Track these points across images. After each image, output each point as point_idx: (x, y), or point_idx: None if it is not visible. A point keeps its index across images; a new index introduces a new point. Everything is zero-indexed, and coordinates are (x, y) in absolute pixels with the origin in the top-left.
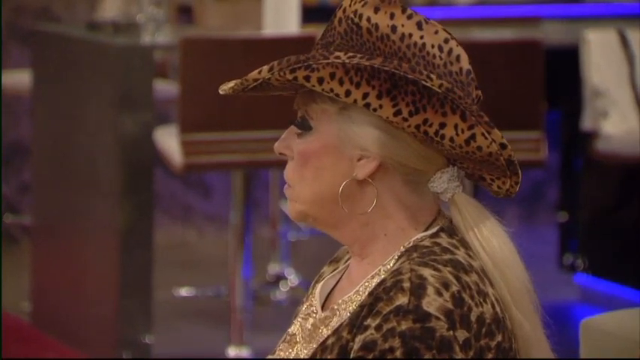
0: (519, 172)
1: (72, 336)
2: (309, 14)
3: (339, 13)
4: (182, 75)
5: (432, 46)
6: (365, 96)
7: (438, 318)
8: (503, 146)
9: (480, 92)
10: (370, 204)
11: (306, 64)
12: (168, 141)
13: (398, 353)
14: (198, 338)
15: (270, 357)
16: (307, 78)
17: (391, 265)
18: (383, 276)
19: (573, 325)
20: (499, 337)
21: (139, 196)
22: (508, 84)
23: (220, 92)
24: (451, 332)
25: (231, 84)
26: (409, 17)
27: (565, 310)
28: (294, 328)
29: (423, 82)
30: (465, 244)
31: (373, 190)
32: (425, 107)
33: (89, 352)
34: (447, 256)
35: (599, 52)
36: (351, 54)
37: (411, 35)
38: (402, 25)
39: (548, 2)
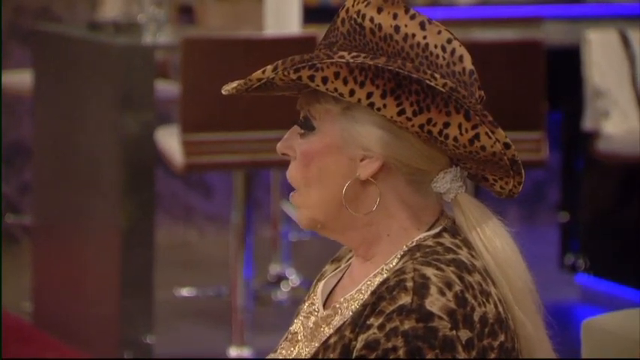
0: (523, 172)
1: (73, 336)
2: (310, 14)
3: (342, 14)
4: (183, 75)
5: (435, 47)
6: (369, 95)
7: (440, 317)
8: (507, 146)
9: (482, 92)
10: (373, 204)
11: (310, 63)
12: (170, 141)
13: (401, 352)
14: (200, 338)
15: (271, 355)
16: (311, 77)
17: (394, 264)
18: (385, 275)
19: (575, 326)
20: (502, 337)
21: (140, 196)
22: (509, 84)
23: (223, 92)
24: (454, 332)
25: (235, 84)
26: (412, 17)
27: (566, 310)
28: (295, 327)
29: (427, 82)
30: (467, 244)
31: (376, 191)
32: (429, 107)
33: (90, 352)
34: (450, 256)
35: (600, 52)
36: (355, 53)
37: (414, 35)
38: (405, 26)
39: (550, 2)
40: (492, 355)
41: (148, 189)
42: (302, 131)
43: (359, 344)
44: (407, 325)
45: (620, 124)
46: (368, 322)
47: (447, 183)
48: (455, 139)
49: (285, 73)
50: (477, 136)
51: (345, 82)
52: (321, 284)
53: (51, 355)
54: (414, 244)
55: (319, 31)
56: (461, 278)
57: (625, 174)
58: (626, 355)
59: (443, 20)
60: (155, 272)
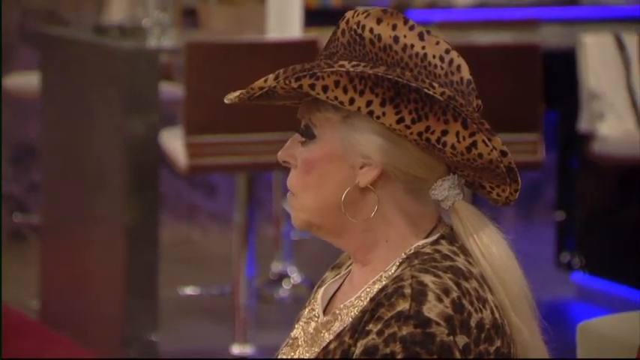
0: (519, 179)
1: (79, 333)
2: (311, 17)
3: (342, 25)
4: (187, 79)
5: (434, 57)
6: (368, 104)
7: (438, 323)
8: (503, 153)
9: (480, 102)
10: (371, 211)
11: (311, 72)
12: (174, 143)
13: (399, 358)
14: (203, 336)
15: None
16: (312, 86)
17: (392, 271)
18: (384, 282)
19: (570, 322)
20: (498, 343)
21: (144, 196)
22: (507, 87)
23: (226, 101)
24: (451, 337)
25: (237, 93)
26: (411, 28)
27: (562, 308)
28: (296, 332)
29: (426, 90)
30: (465, 251)
31: (375, 198)
32: (427, 115)
33: (96, 349)
34: (448, 263)
35: (596, 56)
36: (354, 63)
37: (412, 46)
38: (404, 36)
39: (546, 5)
40: None
41: (153, 189)
42: (303, 139)
43: (358, 350)
44: (405, 330)
45: (615, 127)
46: (367, 328)
47: (445, 191)
48: (452, 146)
49: (287, 81)
50: (474, 144)
51: (345, 91)
52: (321, 290)
53: (58, 352)
54: (412, 251)
55: (320, 35)
56: (458, 285)
57: (619, 174)
58: (620, 357)
59: (441, 22)
60: (159, 270)
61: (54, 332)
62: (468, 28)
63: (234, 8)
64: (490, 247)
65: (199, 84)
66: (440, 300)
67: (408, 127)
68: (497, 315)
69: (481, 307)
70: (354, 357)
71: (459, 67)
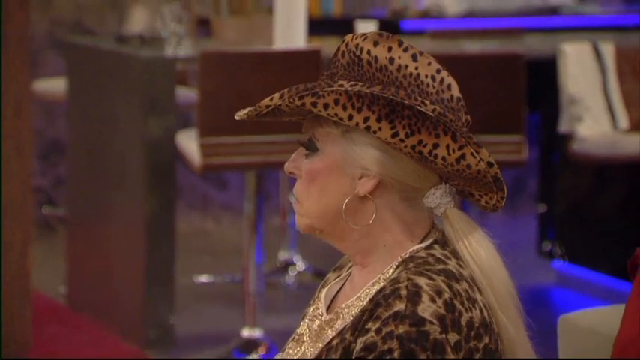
0: (505, 188)
1: (103, 316)
2: (314, 26)
3: (343, 47)
4: (201, 85)
5: (426, 76)
6: (366, 120)
7: (432, 322)
8: (490, 165)
9: (469, 117)
10: (370, 218)
11: (312, 91)
12: (189, 143)
13: (396, 354)
14: (216, 319)
15: (279, 355)
16: (314, 104)
17: (390, 273)
18: (382, 283)
19: (551, 306)
20: (486, 339)
21: (162, 191)
22: (493, 93)
23: (236, 118)
24: (443, 335)
25: (246, 110)
26: (405, 50)
27: (543, 293)
28: (301, 329)
29: (418, 107)
30: (456, 255)
31: (373, 206)
32: (420, 130)
33: (119, 332)
34: (440, 266)
35: (575, 63)
36: (353, 82)
37: (407, 66)
38: (399, 57)
39: (529, 15)
40: (478, 356)
41: (170, 185)
42: (307, 152)
43: (358, 346)
44: (401, 329)
45: (592, 128)
46: (366, 327)
47: (437, 199)
48: (443, 158)
49: (291, 99)
50: (463, 156)
51: (345, 108)
52: (324, 290)
53: (83, 333)
54: (408, 255)
55: (322, 45)
56: (450, 286)
57: (596, 172)
58: (600, 350)
59: (433, 31)
60: (176, 259)
61: (80, 316)
62: (458, 36)
63: (244, 19)
64: (479, 251)
65: (212, 90)
66: (433, 301)
67: (402, 140)
68: (485, 314)
69: (471, 306)
70: (354, 353)
71: (449, 85)
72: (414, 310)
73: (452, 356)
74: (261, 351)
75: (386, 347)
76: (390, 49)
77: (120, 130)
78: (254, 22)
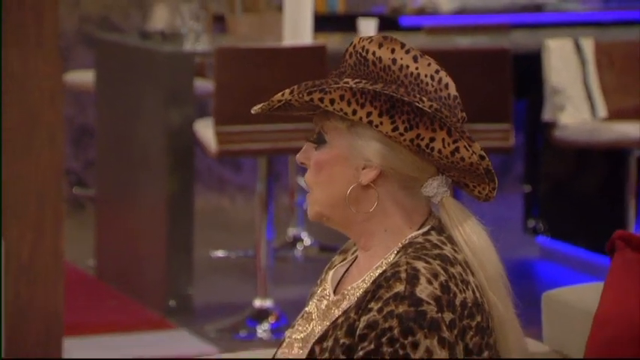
0: (496, 179)
1: (129, 287)
2: (320, 22)
3: (350, 49)
4: (217, 77)
5: (425, 76)
6: (368, 114)
7: (428, 303)
8: (482, 157)
9: (464, 114)
10: (372, 205)
11: (320, 88)
12: (206, 131)
13: (396, 332)
14: (230, 290)
15: (289, 331)
16: (321, 99)
17: (391, 258)
18: (384, 267)
19: (535, 279)
20: (478, 318)
21: (181, 174)
22: (483, 84)
23: (252, 112)
24: (439, 314)
25: (260, 105)
26: (407, 52)
27: (528, 266)
28: (310, 308)
29: (416, 104)
30: (451, 240)
31: (375, 194)
32: (418, 124)
33: (143, 301)
34: (437, 251)
35: (558, 57)
36: (357, 80)
37: (408, 67)
38: (401, 59)
39: (516, 11)
40: (471, 333)
41: (188, 168)
42: (316, 144)
43: (361, 324)
44: (401, 308)
45: (573, 117)
46: (369, 306)
47: (435, 188)
48: (439, 151)
49: (300, 95)
50: (457, 149)
51: (349, 104)
52: (331, 272)
53: (110, 302)
54: (407, 241)
55: (328, 41)
56: (445, 270)
57: (576, 156)
58: (581, 325)
59: (429, 27)
60: (194, 234)
61: (108, 286)
62: (451, 32)
63: (256, 16)
64: (472, 237)
65: (227, 82)
66: (430, 283)
67: (401, 134)
68: (477, 295)
69: (464, 288)
70: (357, 330)
71: (447, 84)
72: (412, 291)
73: (447, 334)
74: (271, 320)
75: (387, 325)
76: (392, 51)
77: (143, 118)
78: (265, 19)
